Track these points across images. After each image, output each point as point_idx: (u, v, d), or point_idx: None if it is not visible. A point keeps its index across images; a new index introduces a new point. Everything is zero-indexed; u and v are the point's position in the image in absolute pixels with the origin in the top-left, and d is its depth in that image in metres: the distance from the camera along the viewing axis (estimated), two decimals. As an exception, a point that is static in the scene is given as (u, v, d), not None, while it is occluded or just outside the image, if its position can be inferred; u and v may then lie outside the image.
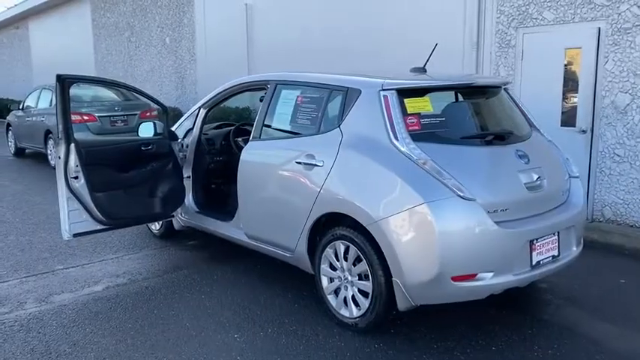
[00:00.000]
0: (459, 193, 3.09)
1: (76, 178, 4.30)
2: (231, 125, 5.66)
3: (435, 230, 3.02)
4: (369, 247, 3.30)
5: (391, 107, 3.36)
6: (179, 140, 5.09)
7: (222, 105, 6.04)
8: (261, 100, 4.36)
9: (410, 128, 3.32)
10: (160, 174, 4.86)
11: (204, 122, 5.14)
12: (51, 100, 10.57)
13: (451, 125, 3.46)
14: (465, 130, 3.51)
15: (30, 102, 11.44)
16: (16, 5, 22.57)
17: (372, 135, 3.39)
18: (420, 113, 3.39)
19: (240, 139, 5.07)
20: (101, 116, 10.00)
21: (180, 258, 5.06)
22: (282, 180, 3.91)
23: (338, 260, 3.59)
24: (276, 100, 4.18)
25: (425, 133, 3.35)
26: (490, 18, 7.75)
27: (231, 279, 4.49)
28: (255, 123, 4.30)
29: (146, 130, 4.92)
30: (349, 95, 3.61)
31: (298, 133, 3.93)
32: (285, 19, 10.50)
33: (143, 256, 5.13)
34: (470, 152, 3.36)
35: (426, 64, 3.97)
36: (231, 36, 11.71)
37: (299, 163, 3.74)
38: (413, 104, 3.40)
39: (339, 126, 3.60)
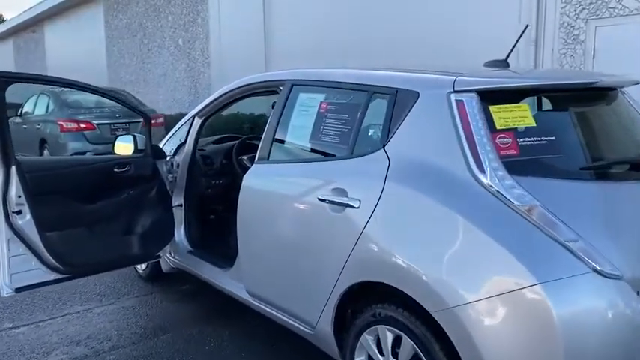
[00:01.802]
0: (595, 265, 1.83)
1: (19, 213, 3.14)
2: (234, 139, 4.45)
3: (557, 329, 1.76)
4: (437, 344, 2.05)
5: (470, 119, 2.11)
6: (167, 158, 3.91)
7: (227, 112, 4.86)
8: (273, 107, 3.16)
9: (502, 153, 2.07)
10: (140, 203, 3.67)
11: (199, 135, 3.95)
12: (47, 106, 9.54)
13: (564, 149, 2.20)
14: (584, 156, 2.24)
15: (28, 108, 10.46)
16: (31, 8, 21.90)
17: (440, 163, 2.15)
18: (515, 129, 2.14)
19: (245, 157, 3.86)
20: (100, 124, 8.94)
21: (165, 314, 3.86)
22: (298, 223, 2.70)
23: (383, 355, 2.34)
24: (290, 108, 2.97)
25: (526, 161, 2.10)
26: (553, 7, 6.40)
27: (230, 351, 3.28)
28: (262, 138, 3.08)
29: (123, 146, 3.74)
30: (400, 100, 2.38)
31: (322, 155, 2.72)
32: (309, 14, 9.29)
33: (119, 309, 3.95)
34: (599, 192, 2.09)
35: (509, 55, 2.72)
36: (248, 35, 10.60)
37: (322, 200, 2.51)
38: (504, 115, 2.15)
39: (383, 147, 2.37)
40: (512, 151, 2.09)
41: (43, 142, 9.38)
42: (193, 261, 3.82)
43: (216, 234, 4.08)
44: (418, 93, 2.33)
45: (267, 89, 3.30)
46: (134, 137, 3.74)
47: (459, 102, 2.17)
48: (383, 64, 2.92)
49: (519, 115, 2.17)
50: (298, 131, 2.90)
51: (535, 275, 1.81)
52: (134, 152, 3.71)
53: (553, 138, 2.18)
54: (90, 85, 3.66)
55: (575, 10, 6.19)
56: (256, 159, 3.11)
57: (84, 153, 8.48)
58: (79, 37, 19.13)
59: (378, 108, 2.49)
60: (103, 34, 17.37)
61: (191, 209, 4.03)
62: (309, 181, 2.68)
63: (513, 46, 2.73)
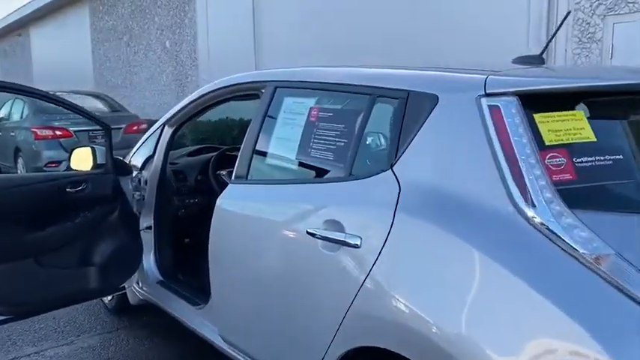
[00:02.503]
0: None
1: (-57, 243, 2.58)
2: (214, 150, 3.89)
3: None
4: None
5: (510, 131, 1.57)
6: (134, 174, 3.35)
7: (217, 117, 4.31)
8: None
9: (556, 178, 1.52)
10: (99, 228, 3.11)
11: (170, 146, 3.39)
12: (22, 112, 8.95)
13: (633, 171, 1.65)
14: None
15: (3, 114, 9.85)
16: (16, 10, 21.27)
17: (469, 191, 1.60)
18: (570, 145, 1.59)
19: (224, 172, 3.30)
20: (78, 131, 8.35)
21: (130, 357, 3.28)
22: (280, 260, 2.14)
23: None
24: (274, 115, 2.41)
25: (587, 189, 1.55)
26: (565, 2, 5.87)
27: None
28: (239, 153, 2.53)
29: (80, 160, 3.18)
30: (412, 106, 1.83)
31: (312, 175, 2.17)
32: (301, 12, 8.75)
33: (76, 350, 3.37)
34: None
35: (544, 50, 2.17)
36: (237, 36, 10.06)
37: (312, 234, 1.96)
38: (554, 126, 1.61)
39: (391, 167, 1.82)
40: (568, 176, 1.54)
41: (17, 151, 8.78)
42: (163, 294, 3.26)
43: (191, 262, 3.51)
44: (437, 97, 1.78)
45: (247, 93, 2.75)
46: (92, 149, 3.18)
47: (494, 108, 1.62)
48: (387, 63, 2.38)
49: (574, 127, 1.62)
50: (283, 144, 2.34)
51: (605, 348, 1.26)
52: (93, 167, 3.15)
53: (620, 157, 1.63)
54: (39, 90, 3.08)
55: (590, 6, 5.67)
56: (232, 177, 2.55)
57: (59, 162, 7.90)
58: (64, 40, 18.54)
59: (384, 116, 1.94)
60: (88, 37, 16.79)
61: (162, 232, 3.46)
62: (295, 208, 2.12)
63: (550, 39, 2.19)
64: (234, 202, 2.47)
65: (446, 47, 6.56)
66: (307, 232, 1.98)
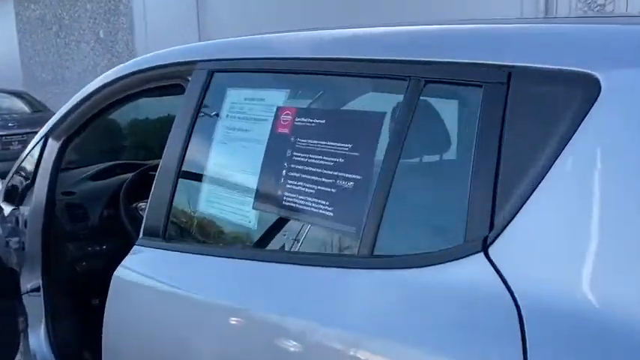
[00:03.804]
0: None
1: None
2: (130, 168, 2.71)
3: None
4: None
5: None
6: (5, 212, 2.21)
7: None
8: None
9: None
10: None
11: (58, 168, 2.23)
12: None
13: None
14: None
15: None
16: None
17: None
18: None
19: (144, 204, 2.21)
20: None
21: None
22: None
23: None
24: (210, 123, 1.31)
25: None
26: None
27: None
28: (151, 193, 1.42)
29: None
30: (524, 100, 0.79)
31: (288, 245, 1.08)
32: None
33: None
34: None
35: None
36: (179, 23, 8.91)
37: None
38: None
39: (484, 248, 0.75)
40: None
41: None
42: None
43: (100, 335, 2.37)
44: (594, 79, 0.72)
45: (161, 84, 1.63)
46: None
47: None
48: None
49: None
50: (230, 178, 1.24)
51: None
52: None
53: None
54: None
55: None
56: (141, 234, 1.45)
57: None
58: (-12, 32, 16.74)
59: (447, 124, 0.89)
60: (14, 28, 15.14)
61: (56, 295, 2.33)
62: (259, 323, 1.04)
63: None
64: (141, 280, 1.36)
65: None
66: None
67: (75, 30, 12.46)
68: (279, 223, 1.10)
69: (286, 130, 1.11)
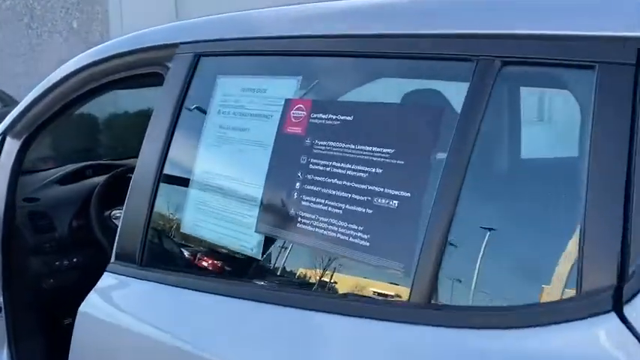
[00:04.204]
0: None
1: None
2: (105, 169, 2.41)
3: None
4: None
5: None
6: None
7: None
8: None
9: None
10: None
11: (18, 170, 1.94)
12: None
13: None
14: None
15: None
16: None
17: None
18: None
19: (119, 211, 1.93)
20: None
21: None
22: None
23: None
24: (197, 122, 1.03)
25: None
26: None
27: None
28: (124, 208, 1.15)
29: None
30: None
31: (304, 281, 0.83)
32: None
33: None
34: None
35: None
36: (156, 11, 8.51)
37: None
38: None
39: (615, 308, 0.49)
40: None
41: None
42: None
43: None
44: None
45: (136, 72, 1.36)
46: None
47: None
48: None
49: None
50: (221, 196, 0.98)
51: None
52: None
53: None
54: None
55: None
56: (112, 256, 1.18)
57: None
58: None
59: (541, 127, 0.72)
60: (-17, 19, 14.54)
61: (19, 316, 2.05)
62: None
63: None
64: (110, 319, 1.09)
65: None
66: None
67: (47, 21, 11.98)
68: (292, 253, 0.84)
69: (299, 130, 0.85)
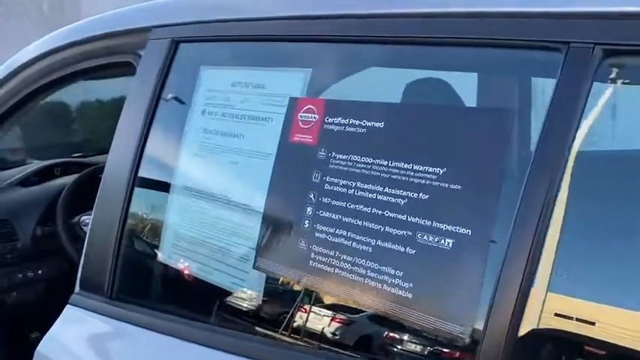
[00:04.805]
0: None
1: None
2: (75, 168, 2.17)
3: None
4: None
5: None
6: None
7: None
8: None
9: None
10: None
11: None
12: None
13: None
14: None
15: None
16: None
17: None
18: None
19: (88, 217, 1.71)
20: None
21: None
22: None
23: None
24: (172, 124, 0.83)
25: None
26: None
27: None
28: (90, 225, 0.94)
29: None
30: None
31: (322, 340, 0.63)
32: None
33: None
34: None
35: None
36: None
37: None
38: None
39: None
40: None
41: None
42: None
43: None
44: None
45: (106, 60, 1.14)
46: None
47: None
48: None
49: None
50: (209, 220, 0.78)
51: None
52: None
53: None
54: None
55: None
56: (77, 285, 0.98)
57: None
58: None
59: None
60: (-53, 3, 13.95)
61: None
62: None
63: None
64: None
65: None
66: None
67: (16, 4, 11.50)
68: (302, 301, 0.65)
69: (309, 139, 0.65)
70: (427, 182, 0.54)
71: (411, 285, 0.54)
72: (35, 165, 2.13)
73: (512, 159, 0.50)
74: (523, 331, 0.48)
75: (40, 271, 1.89)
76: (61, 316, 0.97)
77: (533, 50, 0.52)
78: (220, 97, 0.78)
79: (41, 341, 0.97)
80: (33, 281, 1.91)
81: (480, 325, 0.49)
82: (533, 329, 0.48)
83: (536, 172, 0.47)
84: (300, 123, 0.67)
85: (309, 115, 0.66)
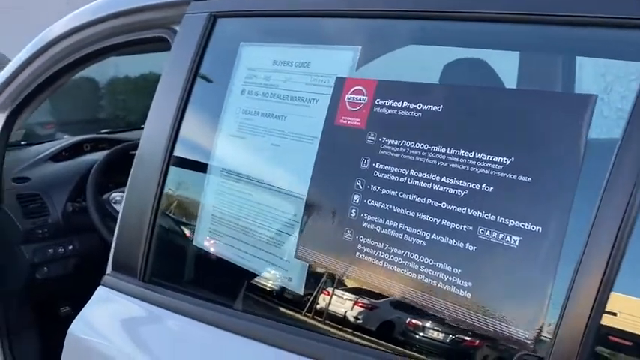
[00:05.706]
0: None
1: None
2: (106, 144, 2.17)
3: None
4: None
5: None
6: None
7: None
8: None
9: None
10: None
11: (4, 146, 1.71)
12: None
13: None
14: None
15: None
16: None
17: None
18: None
19: (119, 194, 1.73)
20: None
21: None
22: None
23: None
24: (209, 105, 0.79)
25: None
26: None
27: None
28: (124, 201, 0.92)
29: None
30: None
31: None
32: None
33: None
34: None
35: None
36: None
37: None
38: None
39: None
40: None
41: None
42: None
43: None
44: None
45: (139, 36, 1.11)
46: None
47: None
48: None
49: None
50: (248, 205, 0.74)
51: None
52: None
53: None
54: None
55: None
56: (109, 266, 0.96)
57: None
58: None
59: None
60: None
61: (10, 308, 1.86)
62: None
63: None
64: (103, 347, 0.88)
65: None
66: None
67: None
68: (347, 294, 0.61)
69: (357, 122, 0.61)
70: (491, 173, 0.50)
71: (470, 284, 0.50)
72: (65, 141, 2.13)
73: (592, 149, 0.45)
74: (599, 339, 0.43)
75: (70, 247, 1.90)
76: (93, 296, 0.96)
77: (615, 29, 0.46)
78: (261, 76, 0.74)
79: (73, 322, 0.96)
80: (64, 257, 1.92)
81: (548, 332, 0.45)
82: (610, 337, 0.44)
83: (620, 164, 0.43)
84: (347, 105, 0.63)
85: (358, 96, 0.62)
